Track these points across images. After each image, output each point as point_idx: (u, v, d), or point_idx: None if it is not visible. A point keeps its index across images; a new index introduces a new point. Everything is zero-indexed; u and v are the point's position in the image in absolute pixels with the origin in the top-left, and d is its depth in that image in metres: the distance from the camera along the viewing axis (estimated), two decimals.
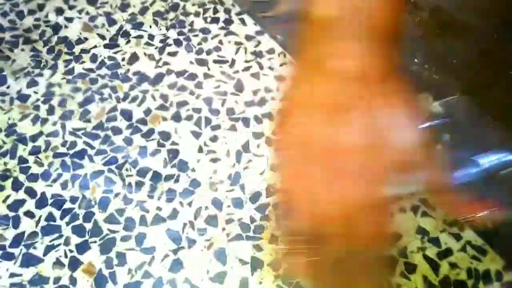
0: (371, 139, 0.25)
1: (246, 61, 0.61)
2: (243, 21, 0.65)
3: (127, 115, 0.57)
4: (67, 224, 0.49)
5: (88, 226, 0.49)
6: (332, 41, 0.26)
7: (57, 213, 0.50)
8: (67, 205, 0.51)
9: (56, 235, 0.49)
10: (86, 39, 0.63)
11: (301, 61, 0.28)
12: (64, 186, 0.52)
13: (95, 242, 0.48)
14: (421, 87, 0.57)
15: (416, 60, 0.59)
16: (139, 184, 0.52)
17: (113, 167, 0.53)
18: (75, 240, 0.48)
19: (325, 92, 0.26)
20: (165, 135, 0.55)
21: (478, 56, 0.58)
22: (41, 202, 0.51)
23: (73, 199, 0.51)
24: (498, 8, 0.54)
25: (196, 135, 0.55)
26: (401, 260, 0.47)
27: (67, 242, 0.48)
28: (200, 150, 0.54)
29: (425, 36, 0.62)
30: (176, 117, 0.56)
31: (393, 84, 0.26)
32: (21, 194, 0.51)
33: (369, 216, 0.26)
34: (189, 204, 0.51)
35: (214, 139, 0.55)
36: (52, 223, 0.50)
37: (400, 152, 0.25)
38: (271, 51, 0.62)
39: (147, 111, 0.57)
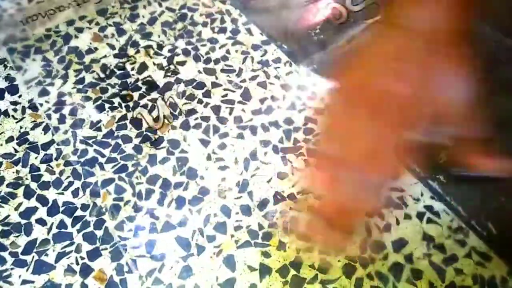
0: (419, 90, 0.27)
1: (253, 70, 0.62)
2: (249, 31, 0.66)
3: (136, 123, 0.58)
4: (78, 231, 0.50)
5: (99, 233, 0.50)
6: (411, 4, 0.28)
7: (68, 221, 0.51)
8: (78, 212, 0.51)
9: (68, 242, 0.50)
10: (96, 49, 0.64)
11: (381, 20, 0.31)
12: (75, 193, 0.53)
13: (106, 249, 0.49)
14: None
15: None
16: (149, 192, 0.53)
17: (123, 175, 0.54)
18: (86, 247, 0.49)
19: (391, 45, 0.29)
20: (174, 143, 0.56)
21: None
22: (53, 210, 0.52)
23: (84, 207, 0.52)
24: None
25: (205, 143, 0.56)
26: (408, 266, 0.48)
27: (78, 249, 0.49)
28: (209, 158, 0.55)
29: None
30: (185, 126, 0.57)
31: (458, 49, 0.28)
32: (33, 202, 0.52)
33: (390, 155, 0.29)
34: (198, 211, 0.51)
35: (222, 147, 0.56)
36: (63, 230, 0.50)
37: (443, 106, 0.28)
38: (277, 60, 0.63)
39: (156, 120, 0.58)
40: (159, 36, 0.65)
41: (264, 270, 0.48)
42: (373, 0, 0.65)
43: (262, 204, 0.52)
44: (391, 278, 0.47)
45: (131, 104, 0.59)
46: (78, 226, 0.51)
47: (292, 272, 0.47)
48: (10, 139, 0.56)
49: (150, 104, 0.59)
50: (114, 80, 0.61)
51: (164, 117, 0.58)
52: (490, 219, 0.50)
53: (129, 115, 0.58)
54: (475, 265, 0.48)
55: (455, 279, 0.47)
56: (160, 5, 0.69)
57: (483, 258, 0.48)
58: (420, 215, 0.51)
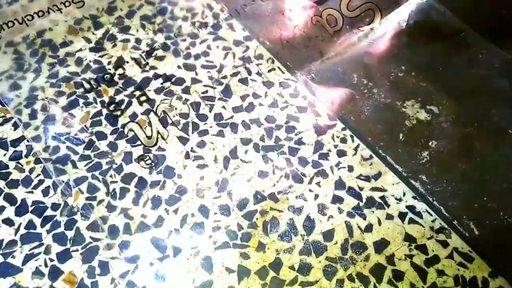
0: None
1: (234, 67, 0.60)
2: (231, 27, 0.64)
3: (112, 120, 0.55)
4: (48, 232, 0.48)
5: (70, 234, 0.48)
6: None
7: (37, 221, 0.49)
8: (48, 212, 0.49)
9: (36, 243, 0.47)
10: (71, 42, 0.62)
11: None
12: (45, 192, 0.50)
13: (77, 250, 0.47)
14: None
15: (403, 68, 0.59)
16: (124, 191, 0.51)
17: (97, 173, 0.52)
18: (56, 248, 0.47)
19: None
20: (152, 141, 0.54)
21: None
22: (21, 209, 0.49)
23: (55, 206, 0.49)
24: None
25: (183, 140, 0.54)
26: (389, 268, 0.47)
27: (47, 251, 0.47)
28: (187, 156, 0.53)
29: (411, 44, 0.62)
30: (163, 122, 0.55)
31: None
32: (0, 201, 0.50)
33: None
34: (175, 211, 0.50)
35: (201, 144, 0.54)
36: (32, 231, 0.48)
37: None
38: (259, 56, 0.62)
39: (133, 116, 0.56)
40: (137, 30, 0.63)
41: (243, 272, 0.46)
42: (369, 6, 0.65)
43: (242, 204, 0.50)
44: (372, 279, 0.46)
45: (106, 99, 0.57)
46: (47, 227, 0.48)
47: (271, 274, 0.46)
48: None
49: (126, 99, 0.57)
50: (89, 75, 0.59)
51: (141, 113, 0.56)
52: (472, 219, 0.49)
53: (104, 110, 0.56)
54: (456, 266, 0.47)
55: (436, 280, 0.46)
56: None
57: (465, 259, 0.47)
58: (402, 215, 0.50)
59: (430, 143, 0.54)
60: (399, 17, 0.65)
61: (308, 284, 0.46)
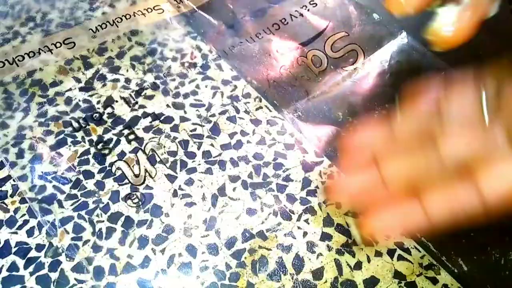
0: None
1: (223, 105, 0.62)
2: (219, 67, 0.66)
3: (100, 158, 0.55)
4: (31, 274, 0.47)
5: (54, 276, 0.47)
6: None
7: (21, 262, 0.47)
8: (32, 253, 0.48)
9: (19, 286, 0.46)
10: (61, 82, 0.63)
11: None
12: (30, 233, 0.49)
13: None
14: None
15: (386, 105, 0.61)
16: (110, 231, 0.50)
17: (83, 212, 0.51)
18: None
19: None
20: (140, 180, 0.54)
21: None
22: (4, 251, 0.48)
23: (39, 247, 0.48)
24: None
25: (171, 178, 0.54)
26: None
27: None
28: (175, 194, 0.53)
29: None
30: (151, 160, 0.56)
31: None
32: None
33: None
34: (162, 251, 0.49)
35: (189, 182, 0.54)
36: (14, 273, 0.47)
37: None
38: (247, 95, 0.63)
39: (121, 154, 0.56)
40: (127, 70, 0.64)
41: None
42: (352, 47, 0.67)
43: (230, 243, 0.50)
44: None
45: (94, 138, 0.57)
46: (31, 268, 0.47)
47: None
48: None
49: (115, 138, 0.57)
50: (78, 114, 0.59)
51: (129, 151, 0.56)
52: (460, 255, 0.50)
53: (92, 150, 0.56)
54: None
55: None
56: (130, 39, 0.68)
57: None
58: (390, 252, 0.50)
59: None
60: (381, 57, 0.67)
61: None
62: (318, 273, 0.48)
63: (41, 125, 0.58)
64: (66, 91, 0.62)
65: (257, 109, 0.62)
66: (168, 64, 0.66)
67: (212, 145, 0.58)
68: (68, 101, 0.61)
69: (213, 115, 0.60)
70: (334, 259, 0.49)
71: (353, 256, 0.49)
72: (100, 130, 0.58)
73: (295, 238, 0.50)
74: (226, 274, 0.47)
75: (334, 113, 0.61)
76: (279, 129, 0.60)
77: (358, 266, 0.49)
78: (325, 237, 0.50)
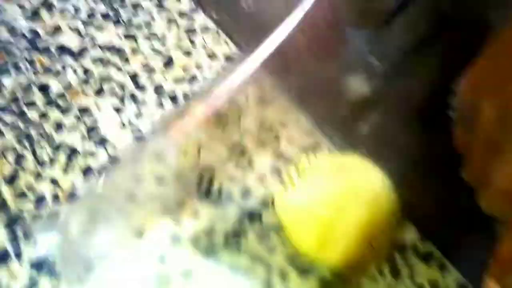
0: None
1: (178, 39, 0.59)
2: None
3: (44, 89, 0.53)
4: None
5: None
6: None
7: None
8: None
9: None
10: (4, 10, 0.59)
11: None
12: None
13: None
14: None
15: None
16: (54, 161, 0.48)
17: (26, 143, 0.49)
18: None
19: None
20: (85, 111, 0.52)
21: None
22: None
23: None
24: None
25: (120, 112, 0.52)
26: None
27: None
28: (124, 127, 0.51)
29: None
30: (99, 93, 0.53)
31: None
32: None
33: None
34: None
35: (139, 116, 0.52)
36: None
37: None
38: (205, 29, 0.60)
39: (67, 85, 0.53)
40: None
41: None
42: None
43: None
44: None
45: (39, 68, 0.54)
46: None
47: None
48: None
49: (61, 69, 0.55)
50: (23, 44, 0.56)
51: (76, 83, 0.54)
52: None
53: (37, 79, 0.53)
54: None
55: None
56: None
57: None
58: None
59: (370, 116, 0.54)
60: None
61: None
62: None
63: None
64: (10, 19, 0.58)
65: (215, 44, 0.59)
66: None
67: (165, 78, 0.55)
68: (12, 30, 0.57)
69: (167, 48, 0.58)
70: None
71: None
72: (45, 59, 0.55)
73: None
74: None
75: None
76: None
77: None
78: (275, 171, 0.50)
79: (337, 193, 0.46)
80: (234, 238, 0.45)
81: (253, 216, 0.47)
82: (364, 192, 0.45)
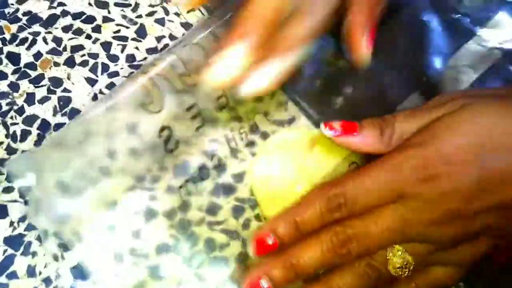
0: None
1: (151, 6, 0.57)
2: None
3: (14, 58, 0.52)
4: None
5: None
6: None
7: None
8: None
9: None
10: None
11: None
12: None
13: None
14: None
15: None
16: (25, 133, 0.48)
17: None
18: None
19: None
20: (57, 81, 0.51)
21: None
22: None
23: None
24: None
25: (91, 82, 0.52)
26: None
27: None
28: (95, 98, 0.51)
29: None
30: (70, 62, 0.52)
31: None
32: None
33: None
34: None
35: (111, 86, 0.52)
36: None
37: None
38: None
39: (37, 55, 0.52)
40: None
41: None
42: None
43: (153, 146, 0.49)
44: None
45: (8, 37, 0.53)
46: None
47: None
48: None
49: (31, 37, 0.53)
50: None
51: (46, 52, 0.53)
52: None
53: (6, 49, 0.52)
54: None
55: None
56: None
57: None
58: None
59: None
60: None
61: None
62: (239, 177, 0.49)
63: None
64: None
65: (188, 12, 0.58)
66: None
67: (137, 48, 0.54)
68: None
69: (140, 16, 0.56)
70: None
71: None
72: (14, 28, 0.54)
73: None
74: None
75: None
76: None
77: None
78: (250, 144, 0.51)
79: (310, 168, 0.46)
80: (208, 212, 0.46)
81: (227, 191, 0.48)
82: (337, 167, 0.46)
